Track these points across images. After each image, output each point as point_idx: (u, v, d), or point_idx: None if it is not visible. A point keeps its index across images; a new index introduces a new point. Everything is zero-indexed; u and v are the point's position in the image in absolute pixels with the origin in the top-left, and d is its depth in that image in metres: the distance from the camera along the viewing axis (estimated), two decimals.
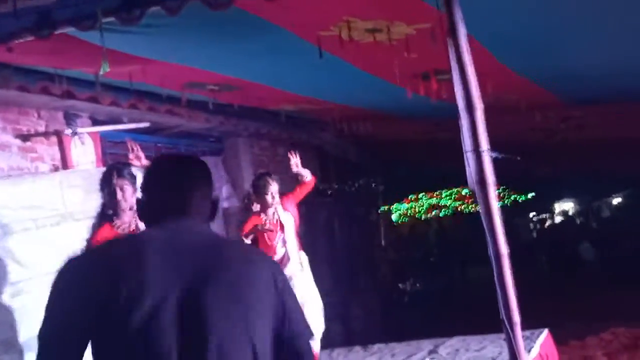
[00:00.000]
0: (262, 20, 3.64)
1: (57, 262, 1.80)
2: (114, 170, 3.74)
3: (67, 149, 5.16)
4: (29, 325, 4.65)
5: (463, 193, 18.90)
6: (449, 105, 4.41)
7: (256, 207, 4.71)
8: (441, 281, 14.15)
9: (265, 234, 4.59)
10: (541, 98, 6.70)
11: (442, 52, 3.03)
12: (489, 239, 2.66)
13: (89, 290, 1.60)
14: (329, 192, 9.27)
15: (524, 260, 16.63)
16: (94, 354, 1.62)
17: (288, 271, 4.64)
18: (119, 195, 3.63)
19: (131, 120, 5.54)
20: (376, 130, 8.11)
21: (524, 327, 2.81)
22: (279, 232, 4.65)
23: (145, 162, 4.03)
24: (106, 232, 3.53)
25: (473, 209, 18.94)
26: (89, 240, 3.59)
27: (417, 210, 19.34)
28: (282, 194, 4.84)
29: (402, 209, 18.61)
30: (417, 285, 12.57)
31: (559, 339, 5.66)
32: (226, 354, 1.57)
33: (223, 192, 7.24)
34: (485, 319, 5.26)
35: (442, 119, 7.52)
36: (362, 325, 4.69)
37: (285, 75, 5.20)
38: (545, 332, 5.08)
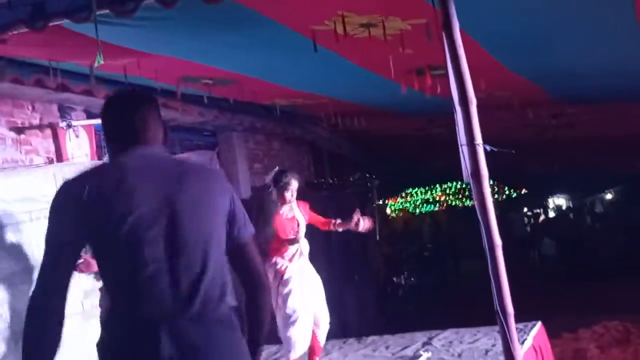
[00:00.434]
0: (257, 13, 3.65)
1: None
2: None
3: (61, 142, 5.16)
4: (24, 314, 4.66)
5: (456, 188, 18.95)
6: (443, 100, 4.43)
7: (278, 199, 4.72)
8: (435, 275, 14.22)
9: (280, 228, 4.64)
10: (533, 95, 6.73)
11: (437, 48, 3.04)
12: (483, 230, 2.68)
13: (81, 207, 1.97)
14: (324, 187, 9.29)
15: (517, 255, 16.76)
16: (96, 257, 2.06)
17: (300, 266, 4.67)
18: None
19: None
20: (369, 125, 8.12)
21: (517, 319, 2.84)
22: (294, 227, 4.70)
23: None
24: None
25: (466, 204, 19.01)
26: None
27: (411, 205, 19.39)
28: (300, 199, 4.90)
29: (396, 205, 18.65)
30: (412, 279, 12.62)
31: (552, 332, 5.70)
32: (197, 245, 2.00)
33: None
34: (479, 312, 5.31)
35: (436, 115, 7.57)
36: (356, 318, 4.72)
37: (279, 70, 5.20)
38: (539, 324, 5.12)
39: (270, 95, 6.40)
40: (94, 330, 4.11)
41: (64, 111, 5.30)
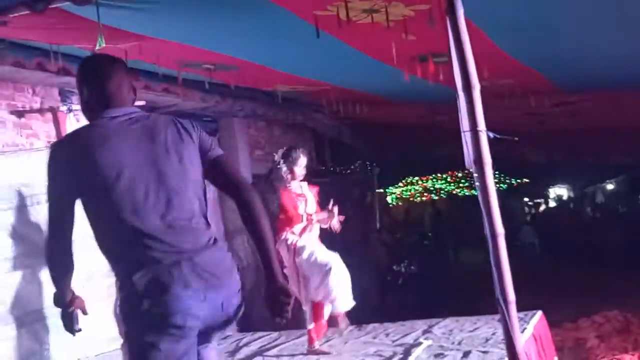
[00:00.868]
0: None
1: None
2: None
3: (62, 126, 5.14)
4: (27, 299, 4.67)
5: (458, 176, 18.94)
6: (446, 88, 4.40)
7: (287, 176, 4.69)
8: (436, 263, 14.23)
9: (291, 203, 4.62)
10: (536, 83, 6.70)
11: (440, 34, 3.02)
12: (485, 217, 2.66)
13: (71, 165, 2.24)
14: (325, 175, 9.27)
15: (517, 244, 16.78)
16: (87, 213, 2.27)
17: (307, 242, 4.66)
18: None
19: None
20: (371, 113, 8.09)
21: (518, 309, 2.83)
22: (304, 204, 4.69)
23: None
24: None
25: (467, 193, 19.02)
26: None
27: (411, 193, 19.39)
28: (310, 182, 4.89)
29: (397, 193, 18.66)
30: (412, 267, 12.63)
31: (552, 322, 5.70)
32: (183, 189, 2.28)
33: None
34: (479, 301, 5.32)
35: (438, 103, 7.53)
36: (357, 306, 4.73)
37: (281, 55, 5.17)
38: (539, 313, 5.11)
39: (271, 81, 6.38)
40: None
41: (65, 95, 5.28)
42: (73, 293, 2.48)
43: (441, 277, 13.27)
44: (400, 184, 19.05)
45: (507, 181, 20.05)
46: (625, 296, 9.49)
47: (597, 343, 7.17)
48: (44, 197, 4.51)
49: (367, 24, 4.07)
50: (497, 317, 2.92)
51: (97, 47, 3.33)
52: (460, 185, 19.50)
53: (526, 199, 23.66)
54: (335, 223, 4.82)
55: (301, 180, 4.80)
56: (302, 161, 4.74)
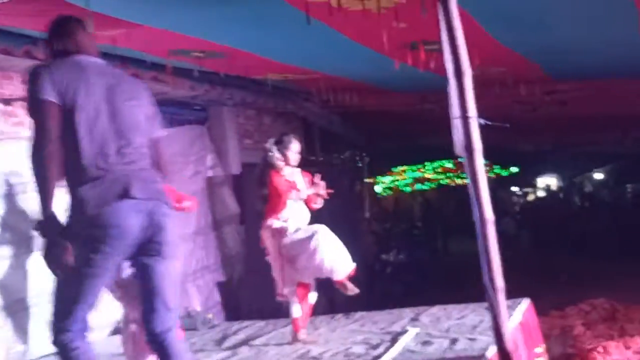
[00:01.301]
0: None
1: None
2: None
3: None
4: (11, 288, 4.65)
5: (447, 166, 18.97)
6: (436, 76, 4.40)
7: (279, 162, 4.66)
8: (424, 252, 14.28)
9: (280, 187, 4.60)
10: (527, 71, 6.72)
11: (431, 22, 3.01)
12: (474, 204, 2.67)
13: (51, 87, 2.61)
14: (314, 164, 9.26)
15: (505, 233, 16.87)
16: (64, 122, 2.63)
17: (292, 224, 4.64)
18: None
19: None
20: (361, 101, 8.09)
21: (506, 296, 2.83)
22: (294, 190, 4.66)
23: None
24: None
25: (456, 183, 19.07)
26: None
27: (401, 182, 19.41)
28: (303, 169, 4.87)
29: (386, 183, 18.67)
30: (400, 256, 12.68)
31: (539, 310, 5.74)
32: (130, 120, 2.78)
33: (207, 161, 7.19)
34: (468, 290, 5.34)
35: (429, 91, 7.54)
36: (345, 294, 4.74)
37: (271, 43, 5.15)
38: (527, 301, 5.14)
39: (261, 69, 6.35)
40: None
41: None
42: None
43: (430, 266, 13.34)
44: (390, 173, 19.06)
45: (496, 170, 20.10)
46: (611, 284, 9.59)
47: (584, 331, 7.23)
48: (31, 186, 4.50)
49: (358, 11, 4.07)
50: (485, 305, 2.93)
51: None
52: (450, 174, 19.54)
53: (515, 188, 23.75)
54: (323, 194, 4.79)
55: (294, 167, 4.77)
56: (294, 146, 4.72)
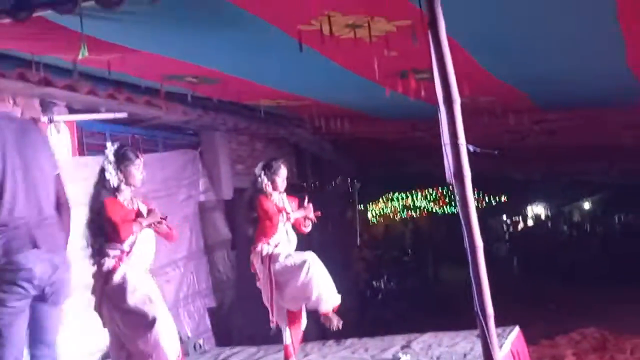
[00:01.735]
0: (242, 11, 3.64)
1: None
2: (131, 152, 4.02)
3: None
4: None
5: (436, 194, 19.05)
6: (426, 105, 4.44)
7: (267, 188, 4.71)
8: (414, 280, 14.27)
9: (270, 212, 4.63)
10: (516, 101, 6.79)
11: (422, 50, 3.05)
12: (464, 231, 2.69)
13: None
14: (306, 190, 9.27)
15: (495, 261, 16.88)
16: None
17: (282, 250, 4.65)
18: (135, 173, 3.96)
19: (109, 111, 5.47)
20: (353, 128, 8.13)
21: (495, 324, 2.84)
22: (283, 215, 4.68)
23: None
24: (116, 204, 3.87)
25: (446, 211, 19.13)
26: (95, 209, 3.85)
27: (391, 210, 19.44)
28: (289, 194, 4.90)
29: (377, 210, 18.70)
30: (391, 283, 12.65)
31: (529, 338, 5.74)
32: (38, 172, 3.17)
33: (200, 185, 7.20)
34: (458, 317, 5.33)
35: (419, 119, 7.59)
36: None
37: (264, 70, 5.19)
38: (517, 329, 5.15)
39: (254, 95, 6.39)
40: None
41: (46, 106, 5.23)
42: None
43: (420, 293, 13.30)
44: (381, 200, 19.09)
45: (486, 199, 20.18)
46: (602, 313, 9.59)
47: None
48: None
49: (349, 40, 4.11)
50: (476, 332, 2.94)
51: (80, 56, 3.32)
52: (440, 202, 19.60)
53: (504, 217, 23.82)
54: (312, 217, 4.82)
55: (281, 193, 4.81)
56: (282, 172, 4.77)
